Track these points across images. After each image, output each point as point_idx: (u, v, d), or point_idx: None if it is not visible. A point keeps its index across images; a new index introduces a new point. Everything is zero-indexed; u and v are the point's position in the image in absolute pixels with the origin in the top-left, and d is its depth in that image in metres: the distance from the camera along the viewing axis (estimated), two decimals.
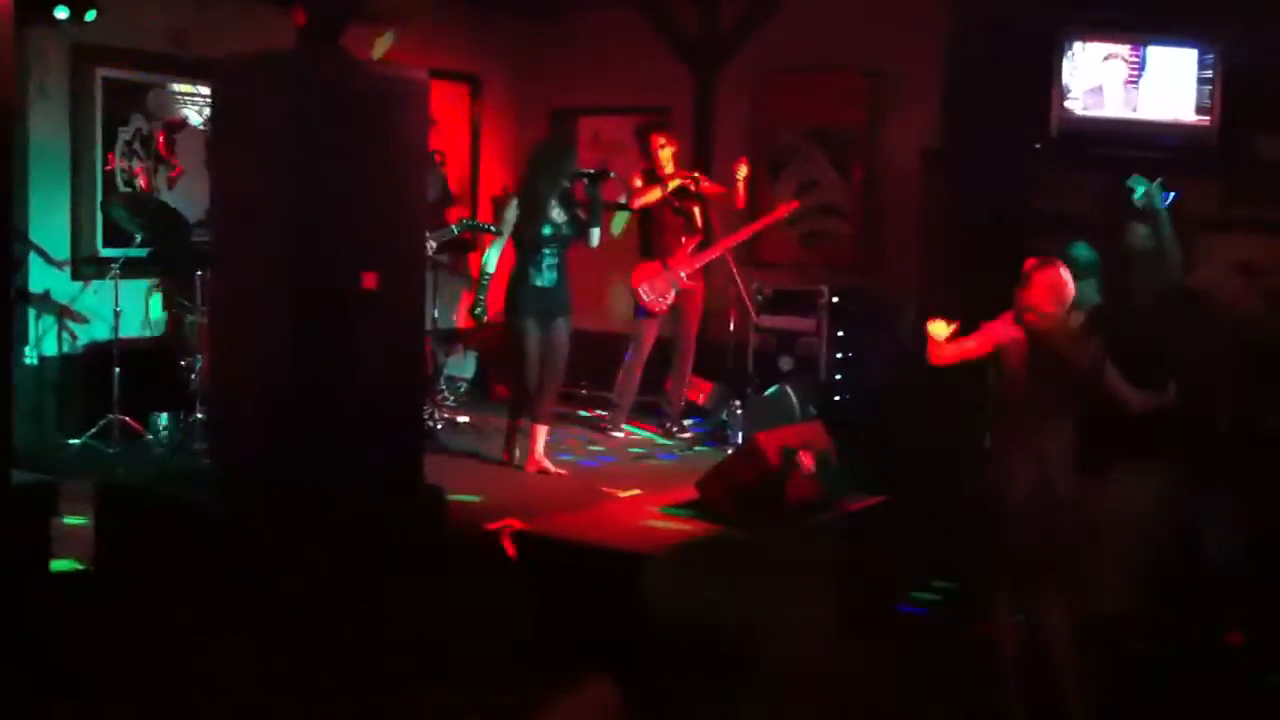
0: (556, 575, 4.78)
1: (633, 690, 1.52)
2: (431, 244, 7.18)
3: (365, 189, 5.37)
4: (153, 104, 7.82)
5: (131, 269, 7.12)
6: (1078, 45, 7.36)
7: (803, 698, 1.52)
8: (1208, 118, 7.28)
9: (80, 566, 5.24)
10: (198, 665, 4.33)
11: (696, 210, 8.16)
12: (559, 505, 6.01)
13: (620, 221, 8.45)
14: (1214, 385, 4.72)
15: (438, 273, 8.42)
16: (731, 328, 8.05)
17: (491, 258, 7.29)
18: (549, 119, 10.00)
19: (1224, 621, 4.82)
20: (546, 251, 7.07)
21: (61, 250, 7.40)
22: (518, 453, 7.29)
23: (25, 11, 6.88)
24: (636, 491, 6.42)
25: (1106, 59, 7.40)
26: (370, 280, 5.41)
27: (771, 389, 7.88)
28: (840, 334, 8.28)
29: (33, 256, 7.15)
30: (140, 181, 7.74)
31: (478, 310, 7.26)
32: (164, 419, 6.92)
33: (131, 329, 7.27)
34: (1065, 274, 4.22)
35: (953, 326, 4.35)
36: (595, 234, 7.22)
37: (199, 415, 6.70)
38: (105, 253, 7.45)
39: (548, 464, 7.15)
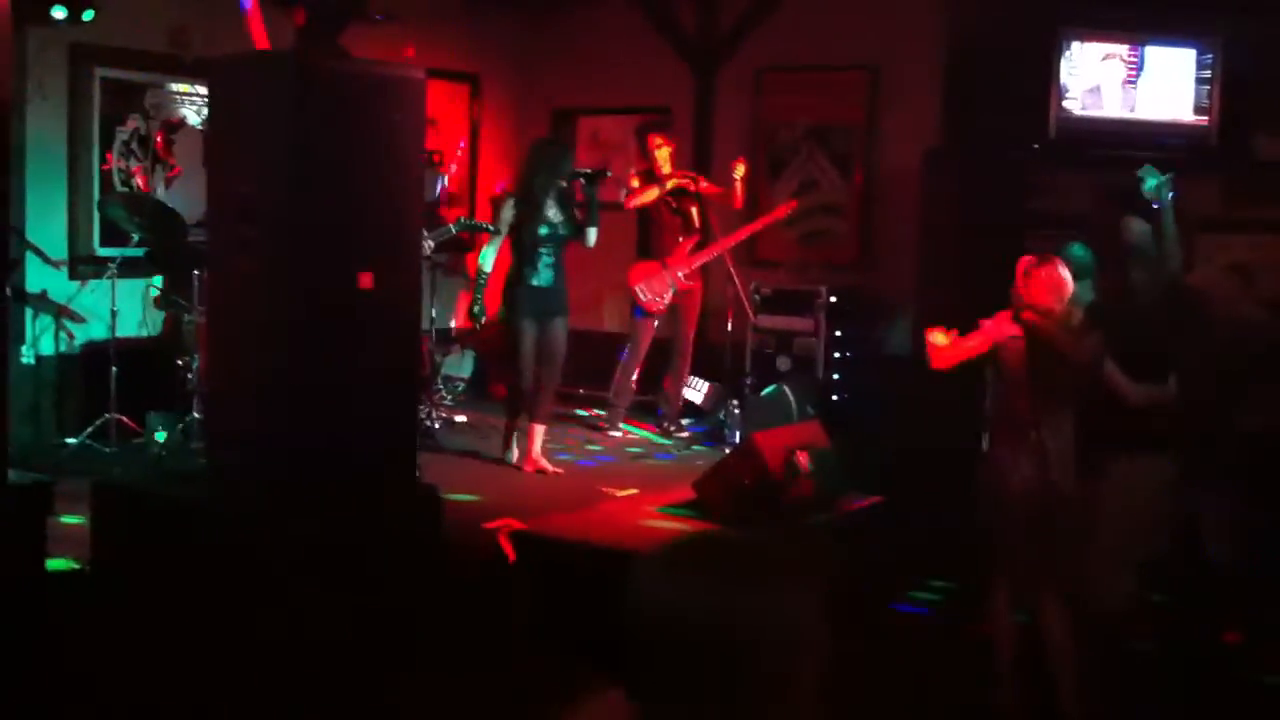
0: (554, 574, 4.78)
1: (646, 705, 1.52)
2: (429, 243, 7.17)
3: (362, 188, 5.36)
4: (151, 104, 7.81)
5: (129, 268, 7.10)
6: (1076, 45, 7.36)
7: (795, 698, 1.51)
8: (1206, 118, 7.28)
9: (76, 566, 5.23)
10: (190, 664, 4.32)
11: (694, 210, 8.16)
12: (557, 505, 6.01)
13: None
14: (1212, 383, 4.72)
15: (435, 272, 8.41)
16: (729, 327, 8.05)
17: (487, 257, 7.29)
18: (549, 119, 10.00)
19: (1223, 620, 4.82)
20: (543, 251, 7.06)
21: (59, 249, 7.40)
22: (516, 452, 7.28)
23: (23, 11, 6.88)
24: (634, 491, 6.41)
25: (1105, 59, 7.39)
26: (367, 280, 5.40)
27: (769, 389, 7.87)
28: (838, 334, 8.27)
29: (30, 256, 7.15)
30: (138, 181, 7.73)
31: (476, 309, 7.25)
32: (161, 419, 6.90)
33: (129, 328, 7.26)
34: (1064, 271, 4.23)
35: (951, 333, 4.35)
36: (592, 234, 7.21)
37: (196, 415, 6.69)
38: (102, 252, 7.45)
39: (545, 464, 7.15)
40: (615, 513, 5.51)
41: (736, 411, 7.85)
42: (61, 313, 7.18)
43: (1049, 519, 4.16)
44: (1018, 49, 7.43)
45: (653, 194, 8.05)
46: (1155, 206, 5.32)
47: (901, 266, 8.12)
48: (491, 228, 7.39)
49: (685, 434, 8.19)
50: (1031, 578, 4.21)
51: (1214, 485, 4.68)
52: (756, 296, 8.26)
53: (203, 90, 7.52)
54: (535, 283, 7.06)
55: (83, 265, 7.46)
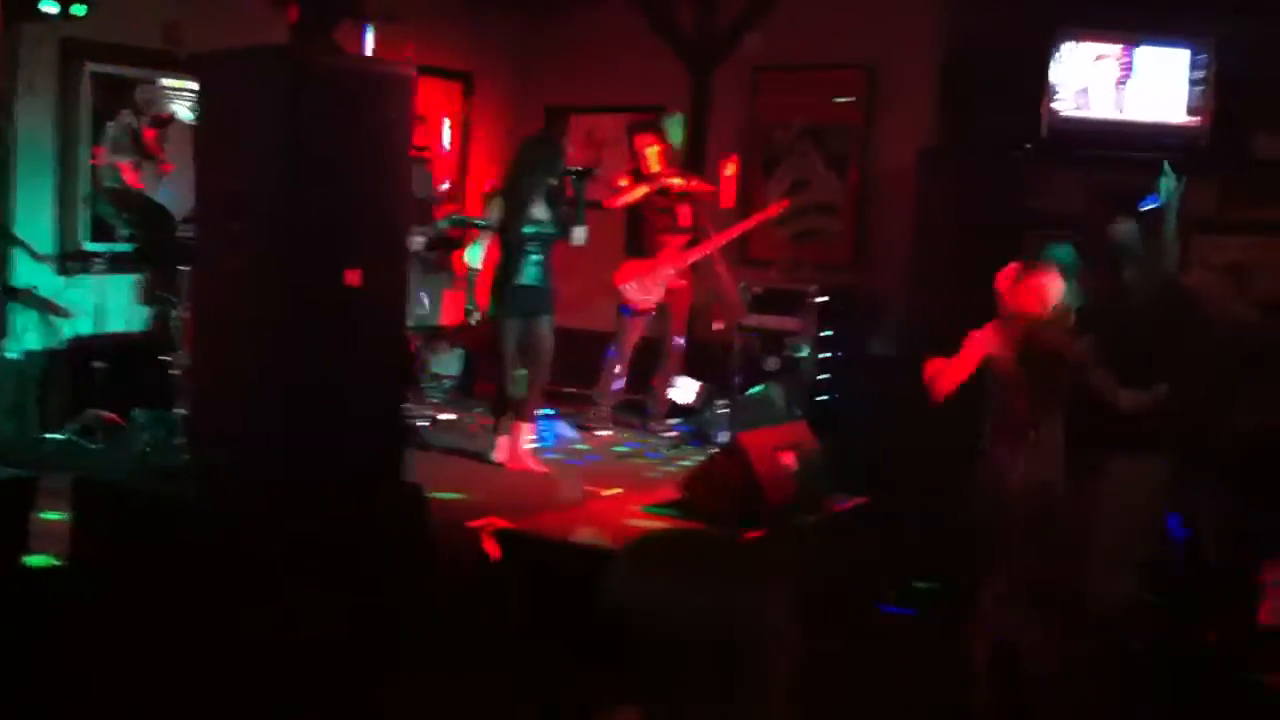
0: (539, 573, 4.76)
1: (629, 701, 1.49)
2: (419, 240, 7.15)
3: (350, 184, 5.35)
4: (141, 99, 7.78)
5: (116, 264, 7.08)
6: (1069, 45, 7.35)
7: (768, 696, 1.48)
8: (1199, 118, 7.27)
9: (56, 562, 5.20)
10: (169, 661, 4.30)
11: (685, 209, 8.14)
12: (542, 504, 5.99)
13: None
14: (1205, 383, 4.71)
15: (425, 269, 8.38)
16: (718, 326, 8.03)
17: (475, 254, 7.27)
18: (543, 116, 9.98)
19: (1216, 620, 4.81)
20: (529, 250, 7.03)
21: (47, 245, 7.37)
22: (501, 451, 7.25)
23: (14, 6, 6.88)
24: (619, 490, 6.40)
25: (1098, 60, 7.38)
26: (354, 277, 5.38)
27: (756, 388, 7.85)
28: (828, 334, 8.25)
29: (17, 251, 7.12)
30: (125, 177, 7.70)
31: (470, 307, 7.22)
32: (146, 415, 6.87)
33: (115, 324, 7.24)
34: (1050, 276, 4.22)
35: (940, 361, 4.35)
36: (579, 233, 7.17)
37: (181, 411, 6.66)
38: (90, 247, 7.43)
39: (530, 461, 7.12)
40: (600, 512, 5.49)
41: (723, 411, 7.82)
42: (49, 308, 7.15)
43: (1047, 518, 4.16)
44: (1013, 49, 7.42)
45: (638, 193, 8.03)
46: (1155, 207, 5.32)
47: (894, 266, 8.11)
48: (482, 224, 7.36)
49: (672, 433, 8.16)
50: (1023, 577, 4.20)
51: (1208, 485, 4.67)
52: (746, 295, 8.23)
53: (193, 86, 7.49)
54: (521, 281, 7.03)
55: (70, 260, 7.44)
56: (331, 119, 5.23)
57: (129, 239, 7.09)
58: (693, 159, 9.00)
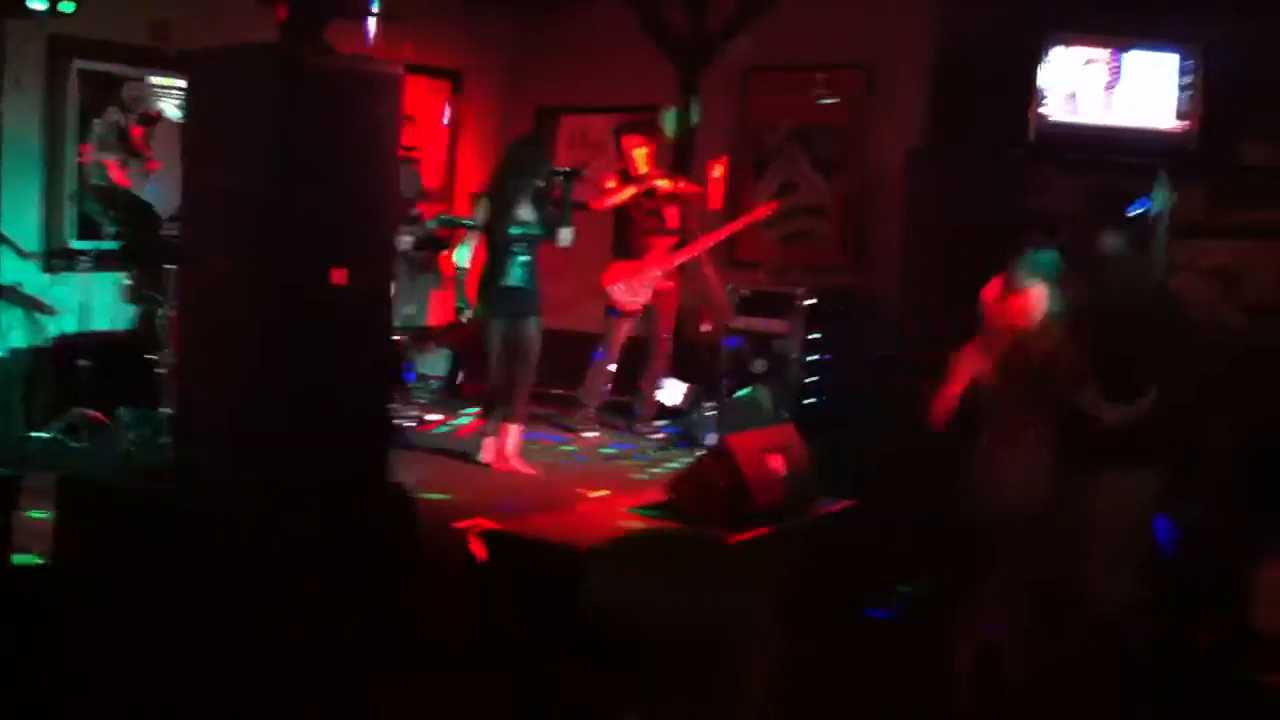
0: (525, 575, 4.74)
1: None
2: (407, 240, 7.13)
3: (337, 183, 5.34)
4: (128, 96, 7.75)
5: (102, 262, 7.05)
6: (1057, 50, 7.35)
7: (743, 694, 1.48)
8: (1188, 123, 7.28)
9: (40, 561, 5.17)
10: (153, 660, 4.28)
11: (672, 210, 8.13)
12: (529, 505, 5.97)
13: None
14: (1191, 388, 4.71)
15: (412, 269, 8.36)
16: (706, 328, 8.02)
17: (463, 254, 7.25)
18: (533, 116, 9.97)
19: (1205, 621, 4.82)
20: (515, 251, 7.02)
21: (32, 242, 7.34)
22: (489, 452, 7.23)
23: (1, 2, 6.84)
24: (607, 492, 6.39)
25: (1086, 64, 7.39)
26: (340, 276, 5.37)
27: (744, 391, 7.84)
28: (816, 336, 8.24)
29: (3, 248, 7.09)
30: (112, 174, 7.67)
31: (461, 305, 7.19)
32: (131, 414, 6.85)
33: (101, 322, 7.20)
34: (1035, 293, 4.24)
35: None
36: (565, 234, 7.15)
37: (167, 410, 6.64)
38: (76, 245, 7.39)
39: (519, 464, 7.10)
40: (587, 514, 5.48)
41: (711, 413, 7.81)
42: (34, 306, 7.12)
43: (1043, 518, 4.17)
44: (1004, 51, 7.43)
45: (625, 194, 8.03)
46: (1146, 212, 5.33)
47: (883, 268, 8.11)
48: (470, 224, 7.33)
49: (660, 435, 8.15)
50: (1021, 577, 4.21)
51: (1196, 487, 4.68)
52: (734, 298, 8.22)
53: (182, 83, 7.46)
54: (507, 283, 7.02)
55: (56, 258, 7.40)
56: (319, 118, 5.23)
57: (115, 237, 7.06)
58: (681, 160, 8.99)
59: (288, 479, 5.13)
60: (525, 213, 7.06)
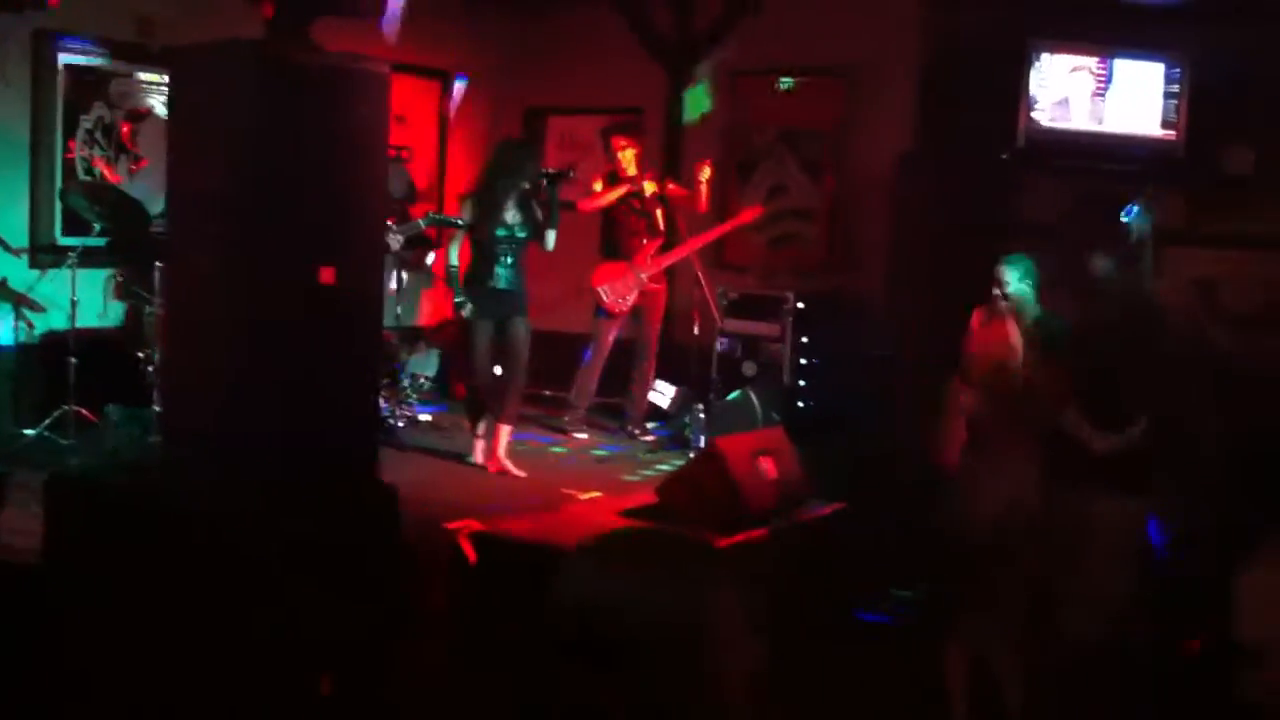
0: (514, 576, 4.74)
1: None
2: (398, 239, 7.12)
3: (324, 182, 5.31)
4: (116, 92, 7.72)
5: (90, 258, 7.02)
6: (1045, 57, 7.39)
7: (726, 697, 1.48)
8: (1174, 131, 7.33)
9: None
10: (139, 657, 4.27)
11: (659, 212, 8.14)
12: (519, 506, 5.97)
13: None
14: (1176, 399, 4.74)
15: (402, 269, 8.35)
16: (696, 331, 8.03)
17: (453, 253, 7.23)
18: (521, 117, 9.97)
19: (1197, 628, 4.84)
20: (500, 253, 7.02)
21: (19, 238, 7.30)
22: (479, 453, 7.23)
23: None
24: (597, 494, 6.39)
25: (1074, 71, 7.43)
26: (328, 275, 5.35)
27: (734, 393, 7.86)
28: (805, 340, 8.27)
29: None
30: (101, 171, 7.64)
31: (460, 300, 7.14)
32: (120, 411, 6.82)
33: (89, 319, 7.17)
34: (1012, 325, 4.28)
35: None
36: (551, 237, 7.14)
37: (155, 407, 6.62)
38: (63, 241, 7.36)
39: (509, 464, 7.10)
40: (577, 515, 5.48)
41: (701, 416, 7.82)
42: (21, 302, 7.08)
43: (1016, 538, 4.18)
44: (992, 57, 7.46)
45: (611, 196, 8.03)
46: (1132, 237, 5.37)
47: (871, 272, 8.13)
48: (461, 224, 7.32)
49: (650, 437, 8.16)
50: (994, 604, 4.22)
51: (1185, 496, 4.71)
52: (724, 301, 8.24)
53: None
54: (493, 284, 7.02)
55: (43, 254, 7.36)
56: (305, 115, 5.20)
57: (102, 233, 7.02)
58: (669, 162, 9.00)
59: (273, 477, 5.11)
60: (511, 215, 7.05)
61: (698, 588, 1.50)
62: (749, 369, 8.23)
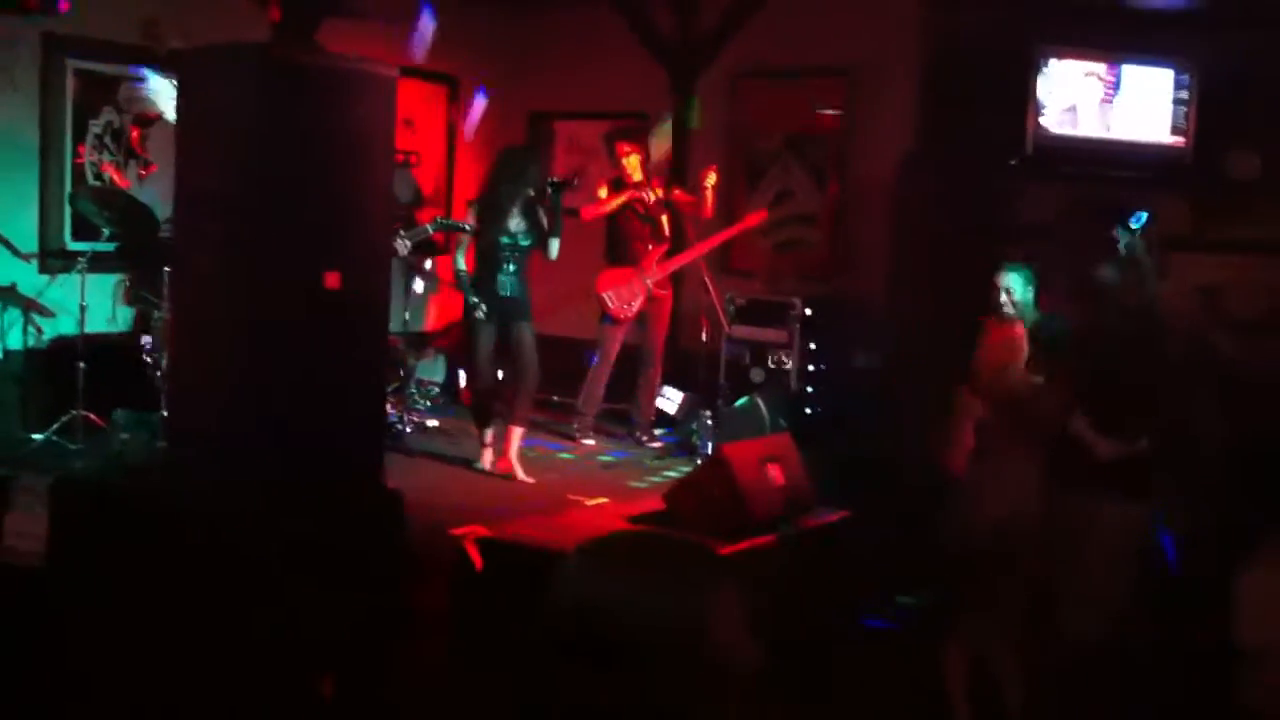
0: (520, 582, 4.73)
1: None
2: (406, 244, 7.12)
3: (330, 185, 5.31)
4: (124, 97, 7.74)
5: (99, 263, 7.03)
6: (1054, 62, 7.37)
7: (724, 702, 1.48)
8: (1183, 138, 7.31)
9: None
10: (141, 660, 4.27)
11: (664, 218, 8.14)
12: (525, 512, 5.96)
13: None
14: (1180, 403, 4.73)
15: (410, 274, 8.35)
16: (704, 337, 8.03)
17: (460, 258, 7.23)
18: (526, 122, 9.97)
19: (1200, 629, 4.83)
20: (503, 259, 7.02)
21: (29, 243, 7.33)
22: (487, 459, 7.22)
23: None
24: (604, 500, 6.38)
25: (1083, 77, 7.41)
26: (333, 280, 5.35)
27: (742, 400, 7.85)
28: (812, 346, 8.26)
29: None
30: (111, 175, 7.66)
31: (473, 301, 7.13)
32: (128, 416, 6.83)
33: (98, 324, 7.19)
34: (1019, 329, 4.27)
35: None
36: (554, 245, 7.12)
37: (163, 412, 6.63)
38: (73, 246, 7.38)
39: (518, 467, 7.08)
40: (584, 521, 5.47)
41: (709, 422, 7.81)
42: (30, 306, 7.10)
43: (1017, 545, 4.17)
44: (997, 63, 7.44)
45: (614, 203, 8.03)
46: (1133, 247, 5.35)
47: (876, 276, 8.11)
48: (468, 228, 7.33)
49: (657, 444, 8.15)
50: (994, 608, 4.22)
51: (1188, 499, 4.70)
52: (731, 307, 8.23)
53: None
54: (496, 291, 7.03)
55: (53, 259, 7.39)
56: (311, 118, 5.20)
57: (111, 238, 7.04)
58: (675, 168, 9.00)
59: (275, 479, 5.11)
60: (515, 222, 7.05)
61: (697, 588, 1.50)
62: (757, 375, 8.23)
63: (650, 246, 8.10)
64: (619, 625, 1.46)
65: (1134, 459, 4.32)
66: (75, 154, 7.53)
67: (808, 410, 8.10)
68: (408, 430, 7.91)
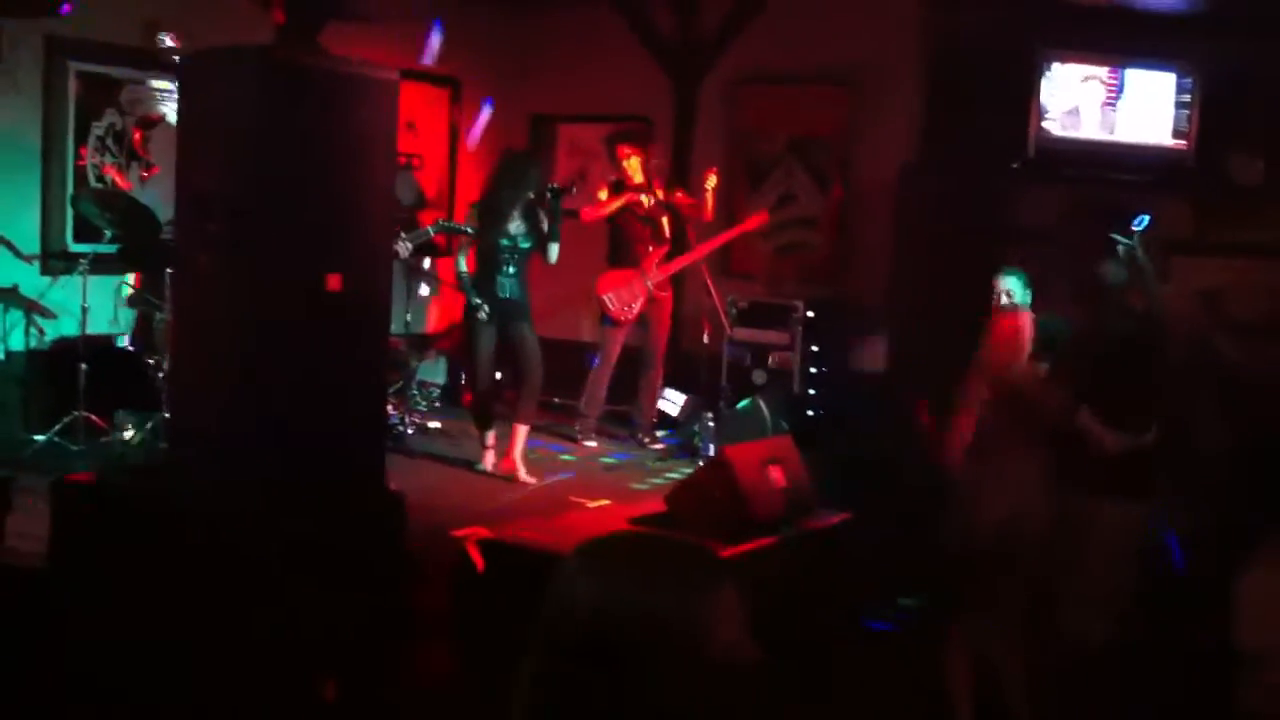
0: (522, 583, 4.73)
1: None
2: (408, 246, 7.12)
3: (331, 188, 5.31)
4: (127, 99, 7.75)
5: (101, 265, 7.04)
6: (1056, 66, 7.38)
7: (721, 703, 1.48)
8: (1185, 141, 7.31)
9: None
10: (142, 661, 4.27)
11: (665, 220, 8.14)
12: (527, 514, 5.96)
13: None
14: (1183, 404, 4.74)
15: (412, 276, 8.35)
16: (706, 339, 8.03)
17: (462, 260, 7.24)
18: (527, 125, 9.98)
19: (1202, 629, 4.82)
20: (502, 261, 7.03)
21: (31, 244, 7.33)
22: (489, 461, 7.22)
23: None
24: (606, 502, 6.38)
25: (1085, 80, 7.42)
26: (335, 282, 5.35)
27: (744, 402, 7.85)
28: (814, 348, 8.26)
29: (1, 250, 7.07)
30: (113, 177, 7.66)
31: (474, 303, 7.14)
32: (130, 417, 6.84)
33: (99, 325, 7.19)
34: (1024, 322, 4.27)
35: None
36: (554, 249, 7.13)
37: (164, 414, 6.63)
38: (75, 248, 7.38)
39: (521, 466, 7.08)
40: (586, 523, 5.47)
41: (711, 424, 7.81)
42: (32, 308, 7.10)
43: (1019, 546, 4.17)
44: (999, 66, 7.45)
45: (613, 206, 8.03)
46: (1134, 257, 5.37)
47: (878, 279, 8.11)
48: (470, 231, 7.33)
49: (659, 446, 8.15)
50: (995, 608, 4.21)
51: (1191, 499, 4.70)
52: (733, 310, 8.23)
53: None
54: (495, 293, 7.04)
55: (55, 260, 7.39)
56: (313, 121, 5.20)
57: (113, 240, 7.04)
58: (676, 170, 9.00)
59: (276, 479, 5.11)
60: (515, 225, 7.06)
61: (698, 589, 1.50)
62: (759, 377, 8.23)
63: (651, 249, 8.10)
64: (620, 627, 1.46)
65: (1139, 454, 4.32)
66: (77, 156, 7.54)
67: (809, 412, 8.10)
68: (409, 431, 7.91)
